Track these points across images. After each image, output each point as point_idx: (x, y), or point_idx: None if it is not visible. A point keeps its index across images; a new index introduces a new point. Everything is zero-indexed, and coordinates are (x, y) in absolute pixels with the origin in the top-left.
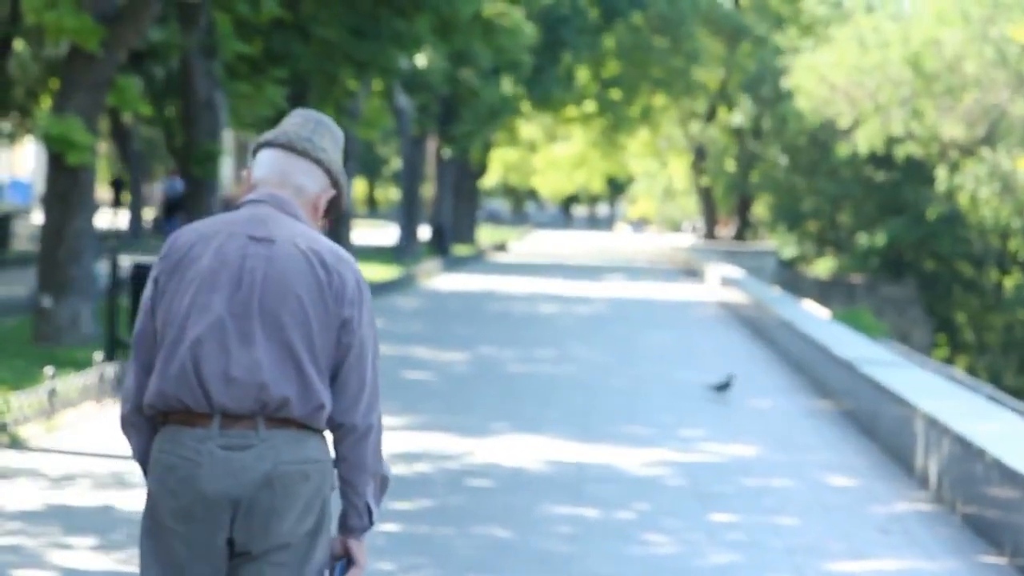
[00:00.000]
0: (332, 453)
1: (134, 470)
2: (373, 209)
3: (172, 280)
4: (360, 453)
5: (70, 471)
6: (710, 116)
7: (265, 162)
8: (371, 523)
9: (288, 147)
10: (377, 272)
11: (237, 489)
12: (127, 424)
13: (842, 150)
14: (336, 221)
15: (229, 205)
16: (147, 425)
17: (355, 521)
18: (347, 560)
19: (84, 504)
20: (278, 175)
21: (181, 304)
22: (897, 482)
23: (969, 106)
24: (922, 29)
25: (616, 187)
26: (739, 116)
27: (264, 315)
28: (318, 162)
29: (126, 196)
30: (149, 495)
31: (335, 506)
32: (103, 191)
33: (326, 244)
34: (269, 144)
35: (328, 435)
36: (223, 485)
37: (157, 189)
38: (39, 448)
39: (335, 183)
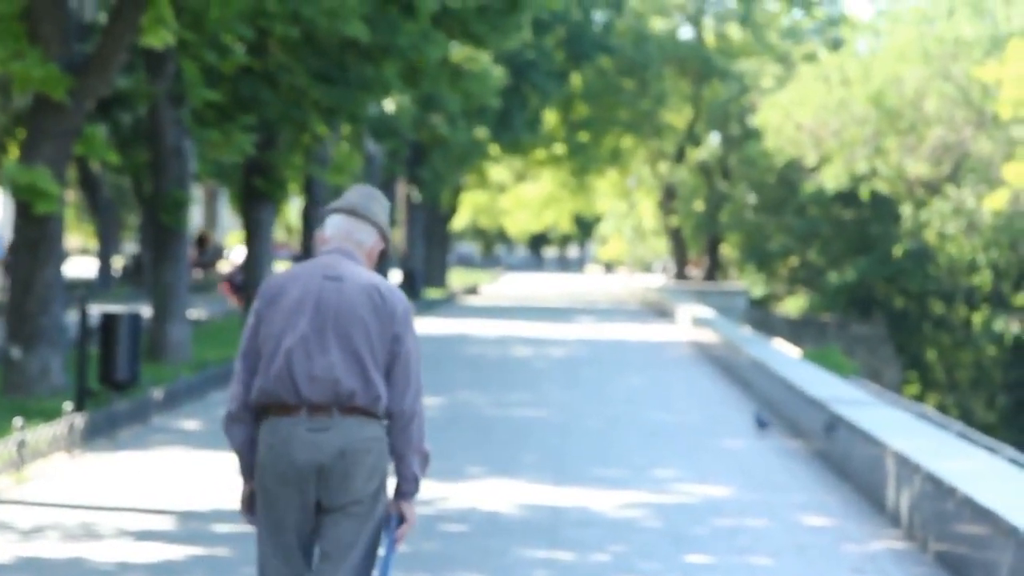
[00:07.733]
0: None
1: (105, 521)
2: None
3: (269, 310)
4: (407, 433)
5: (40, 523)
6: (679, 157)
7: (334, 224)
8: (417, 489)
9: (351, 212)
10: None
11: (319, 458)
12: (233, 420)
13: (808, 188)
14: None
15: (202, 242)
16: (251, 419)
17: (405, 487)
18: (400, 516)
19: (55, 556)
20: (343, 233)
21: (277, 325)
22: (870, 521)
23: (933, 144)
24: (884, 67)
25: (585, 227)
26: (705, 152)
27: (337, 331)
28: (372, 223)
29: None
30: (258, 468)
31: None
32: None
33: (382, 281)
34: (337, 211)
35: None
36: (309, 456)
37: None
38: (9, 500)
39: (384, 238)
